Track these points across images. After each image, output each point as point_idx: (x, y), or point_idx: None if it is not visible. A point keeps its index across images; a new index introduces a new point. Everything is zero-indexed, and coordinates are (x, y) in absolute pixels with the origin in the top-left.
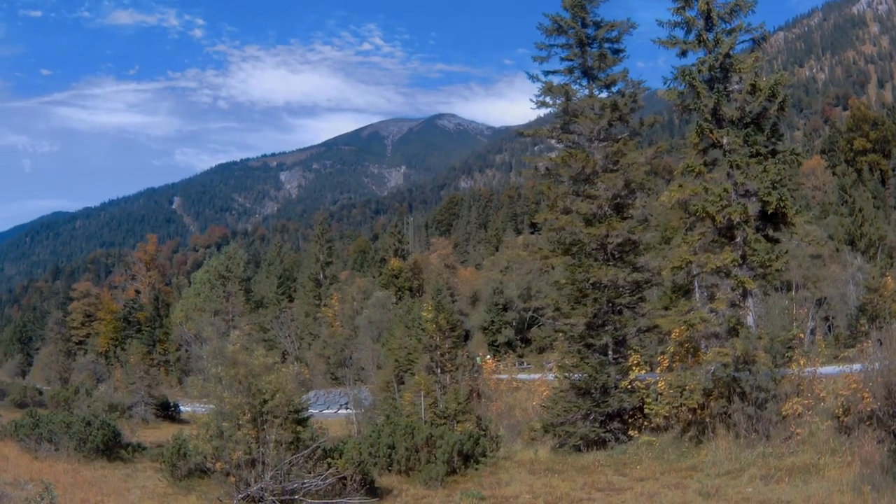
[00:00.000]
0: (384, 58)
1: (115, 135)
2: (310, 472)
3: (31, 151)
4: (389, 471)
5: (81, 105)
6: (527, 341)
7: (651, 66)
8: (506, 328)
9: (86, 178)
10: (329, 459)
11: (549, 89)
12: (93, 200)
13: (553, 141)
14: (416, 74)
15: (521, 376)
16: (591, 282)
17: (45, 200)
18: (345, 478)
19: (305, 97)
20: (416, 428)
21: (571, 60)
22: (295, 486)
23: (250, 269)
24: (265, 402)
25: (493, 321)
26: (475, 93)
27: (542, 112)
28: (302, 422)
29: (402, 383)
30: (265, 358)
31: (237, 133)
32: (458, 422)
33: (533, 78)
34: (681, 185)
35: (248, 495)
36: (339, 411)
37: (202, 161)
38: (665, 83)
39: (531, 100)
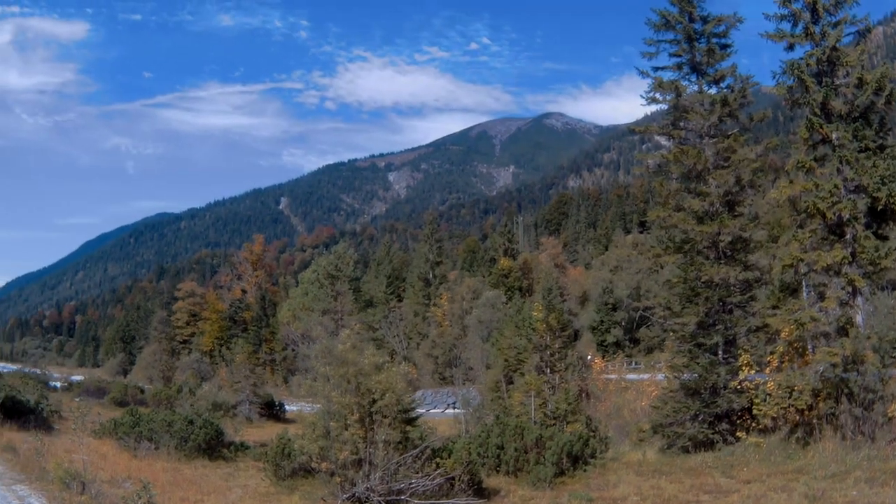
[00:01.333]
0: (491, 57)
1: (220, 136)
2: (417, 473)
3: (134, 153)
4: (497, 471)
5: (185, 107)
6: (635, 341)
7: (756, 62)
8: (615, 328)
9: (190, 180)
10: (437, 459)
11: (658, 85)
12: (198, 201)
13: (662, 139)
14: (524, 73)
15: (630, 376)
16: (702, 280)
17: (149, 202)
18: (453, 478)
19: (413, 97)
20: (526, 428)
21: (680, 56)
22: (402, 486)
23: (359, 269)
24: (374, 401)
25: (602, 321)
26: (583, 91)
27: (650, 110)
28: (411, 421)
29: (511, 383)
30: (375, 357)
31: (345, 133)
32: (567, 422)
33: (642, 74)
34: (791, 182)
35: (354, 495)
36: (447, 411)
37: (310, 161)
38: (773, 77)
39: (641, 96)
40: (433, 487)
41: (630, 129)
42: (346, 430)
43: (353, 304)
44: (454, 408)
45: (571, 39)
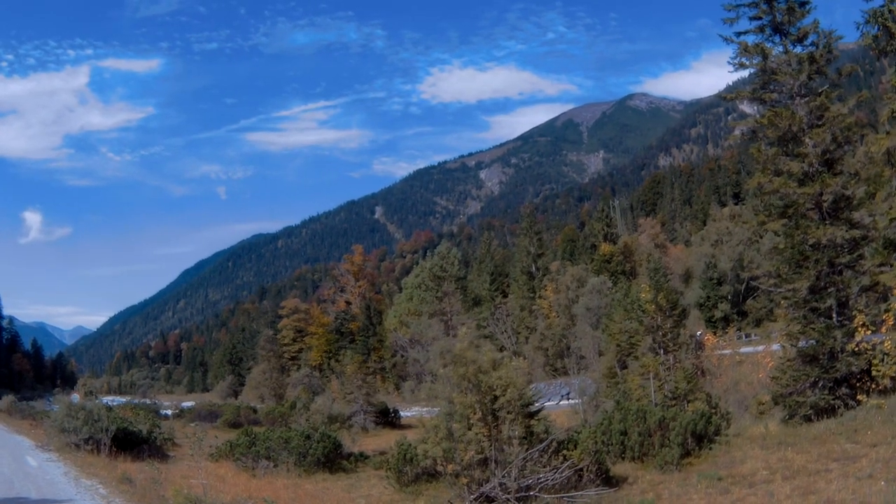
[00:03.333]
0: (569, 45)
1: (308, 153)
2: (545, 467)
3: (224, 179)
4: (623, 458)
5: (271, 128)
6: (743, 314)
7: (828, 20)
8: (721, 303)
9: (283, 199)
10: (564, 452)
11: (744, 50)
12: (293, 219)
13: (746, 108)
14: (603, 57)
15: (745, 349)
16: (809, 243)
17: (244, 224)
18: (581, 469)
19: (497, 93)
20: (648, 412)
21: (760, 18)
22: (530, 481)
23: (462, 269)
24: (495, 398)
25: (708, 297)
26: (662, 69)
27: (731, 79)
28: (533, 415)
29: (625, 368)
30: (493, 353)
31: (433, 137)
32: (688, 401)
33: (726, 40)
34: (888, 133)
35: (481, 495)
36: (561, 402)
37: (401, 168)
38: (857, 28)
39: (728, 62)
40: (562, 480)
41: (721, 98)
42: (470, 429)
43: (461, 303)
44: (568, 398)
45: (645, 18)
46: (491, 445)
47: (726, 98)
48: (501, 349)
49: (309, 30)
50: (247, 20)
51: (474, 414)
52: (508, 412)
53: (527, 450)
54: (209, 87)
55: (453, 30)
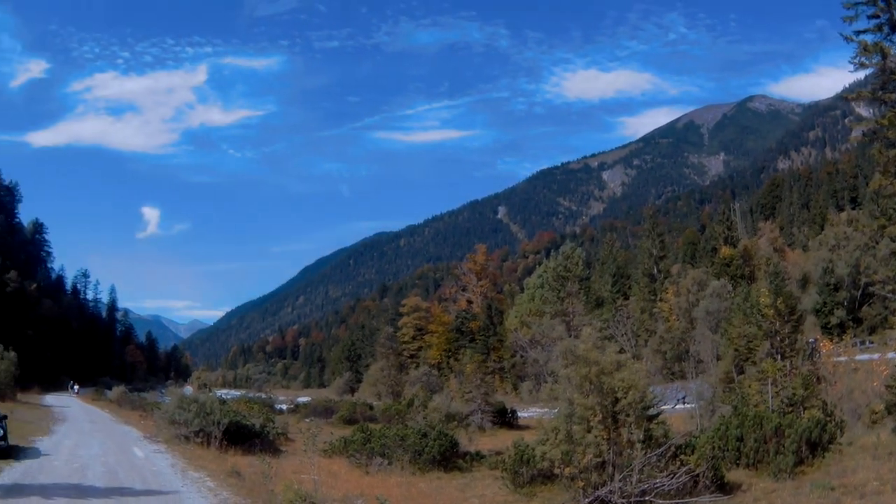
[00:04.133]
0: (690, 46)
1: (432, 151)
2: (662, 472)
3: (347, 177)
4: (737, 465)
5: (394, 127)
6: (858, 321)
7: None
8: (837, 309)
9: (406, 197)
10: (681, 457)
11: (864, 49)
12: (415, 218)
13: (861, 110)
14: (724, 58)
15: (860, 357)
16: None
17: (366, 222)
18: (697, 475)
19: (620, 94)
20: (765, 418)
21: (878, 17)
22: (645, 487)
23: (584, 270)
24: (616, 400)
25: (825, 303)
26: (782, 71)
27: (848, 81)
28: (652, 419)
29: (742, 373)
30: (616, 355)
31: (556, 137)
32: (804, 408)
33: (847, 39)
34: None
35: (596, 498)
36: (677, 406)
37: (524, 168)
38: None
39: (849, 61)
40: (677, 486)
41: (842, 98)
42: (590, 432)
43: (583, 305)
44: (684, 402)
45: (764, 20)
46: (609, 449)
47: (847, 98)
48: (621, 351)
49: (432, 29)
50: (368, 19)
51: (594, 416)
52: (628, 415)
53: (645, 454)
54: (331, 85)
55: (576, 29)
